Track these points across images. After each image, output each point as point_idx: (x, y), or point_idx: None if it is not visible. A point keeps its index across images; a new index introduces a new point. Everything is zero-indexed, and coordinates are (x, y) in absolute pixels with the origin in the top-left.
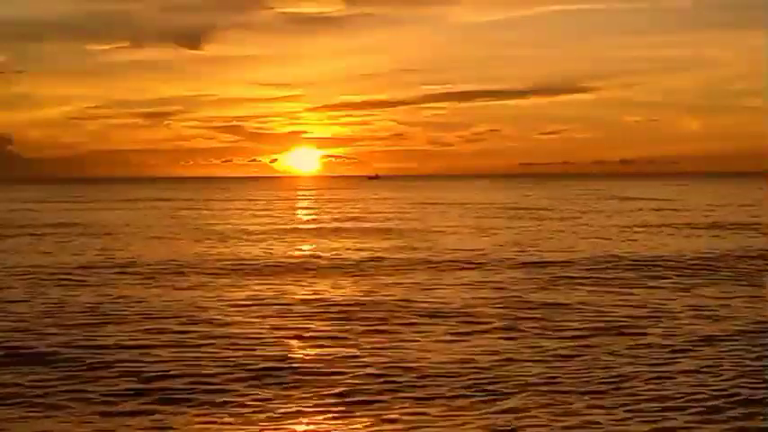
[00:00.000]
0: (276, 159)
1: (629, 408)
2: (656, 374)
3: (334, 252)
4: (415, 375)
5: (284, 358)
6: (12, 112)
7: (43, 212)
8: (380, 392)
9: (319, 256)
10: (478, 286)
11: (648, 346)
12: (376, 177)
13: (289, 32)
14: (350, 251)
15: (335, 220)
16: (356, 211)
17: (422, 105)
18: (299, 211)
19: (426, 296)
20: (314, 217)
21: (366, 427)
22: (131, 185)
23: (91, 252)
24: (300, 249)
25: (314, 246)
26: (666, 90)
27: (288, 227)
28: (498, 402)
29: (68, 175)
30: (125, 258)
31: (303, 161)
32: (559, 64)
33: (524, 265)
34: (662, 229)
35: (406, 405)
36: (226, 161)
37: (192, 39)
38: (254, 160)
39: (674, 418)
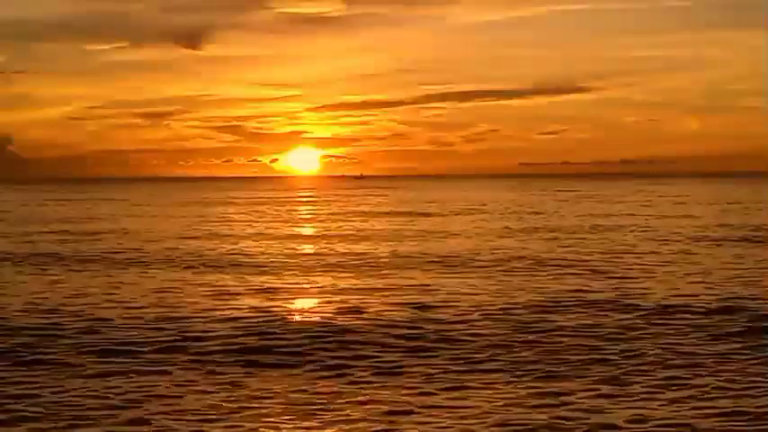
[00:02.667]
0: (276, 159)
1: None
2: None
3: None
4: None
5: None
6: (12, 112)
7: None
8: None
9: None
10: None
11: None
12: (361, 177)
13: (289, 32)
14: None
15: None
16: None
17: (422, 105)
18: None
19: None
20: None
21: None
22: (179, 185)
23: None
24: None
25: None
26: (666, 90)
27: None
28: None
29: (68, 175)
30: None
31: (303, 161)
32: (559, 64)
33: None
34: None
35: None
36: (226, 161)
37: (192, 39)
38: (254, 160)
39: None
